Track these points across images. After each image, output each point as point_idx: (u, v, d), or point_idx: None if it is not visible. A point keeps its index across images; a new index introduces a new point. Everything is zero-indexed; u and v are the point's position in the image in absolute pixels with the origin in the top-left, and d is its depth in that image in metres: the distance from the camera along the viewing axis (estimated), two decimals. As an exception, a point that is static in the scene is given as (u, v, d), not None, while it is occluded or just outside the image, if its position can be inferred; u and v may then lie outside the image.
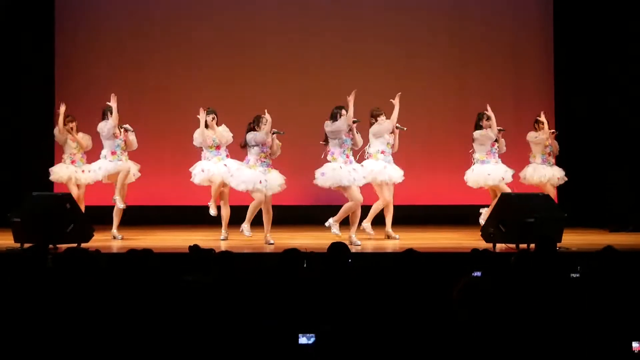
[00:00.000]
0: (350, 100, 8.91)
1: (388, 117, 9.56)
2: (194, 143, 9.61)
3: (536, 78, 11.89)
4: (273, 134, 9.11)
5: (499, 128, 9.76)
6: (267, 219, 9.23)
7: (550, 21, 11.85)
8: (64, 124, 10.15)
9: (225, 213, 9.66)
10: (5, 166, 11.57)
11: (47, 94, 11.74)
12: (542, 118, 10.33)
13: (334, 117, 8.98)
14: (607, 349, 3.92)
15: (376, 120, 9.57)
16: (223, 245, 8.97)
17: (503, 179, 9.80)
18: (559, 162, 10.62)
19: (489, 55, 11.90)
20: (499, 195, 9.38)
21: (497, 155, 9.88)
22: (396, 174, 9.62)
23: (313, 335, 3.98)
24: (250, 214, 9.20)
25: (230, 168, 9.48)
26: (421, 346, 3.80)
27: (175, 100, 11.58)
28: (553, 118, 11.47)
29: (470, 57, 11.88)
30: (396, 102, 9.52)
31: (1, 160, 11.59)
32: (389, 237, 9.67)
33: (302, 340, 4.01)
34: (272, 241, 9.07)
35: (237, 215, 9.53)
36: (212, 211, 9.57)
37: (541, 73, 11.88)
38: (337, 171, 8.93)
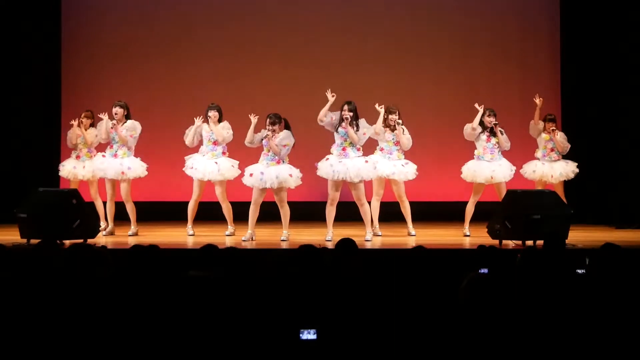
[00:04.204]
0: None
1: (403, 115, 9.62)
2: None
3: (543, 75, 11.83)
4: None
5: (494, 123, 9.64)
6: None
7: (557, 19, 11.80)
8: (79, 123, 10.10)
9: (227, 208, 9.60)
10: (10, 161, 11.52)
11: (54, 88, 11.70)
12: (537, 101, 10.12)
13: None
14: (609, 348, 3.91)
15: (386, 116, 9.54)
16: (228, 242, 8.96)
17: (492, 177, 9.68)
18: (567, 158, 10.54)
19: (496, 53, 11.86)
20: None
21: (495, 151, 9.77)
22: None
23: (315, 330, 3.98)
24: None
25: (220, 167, 9.48)
26: (427, 342, 3.79)
27: (182, 96, 11.57)
28: (560, 114, 11.44)
29: (477, 55, 11.84)
30: (381, 109, 9.44)
31: (6, 155, 11.54)
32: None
33: (304, 335, 4.01)
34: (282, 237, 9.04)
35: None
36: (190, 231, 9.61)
37: (548, 70, 11.83)
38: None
